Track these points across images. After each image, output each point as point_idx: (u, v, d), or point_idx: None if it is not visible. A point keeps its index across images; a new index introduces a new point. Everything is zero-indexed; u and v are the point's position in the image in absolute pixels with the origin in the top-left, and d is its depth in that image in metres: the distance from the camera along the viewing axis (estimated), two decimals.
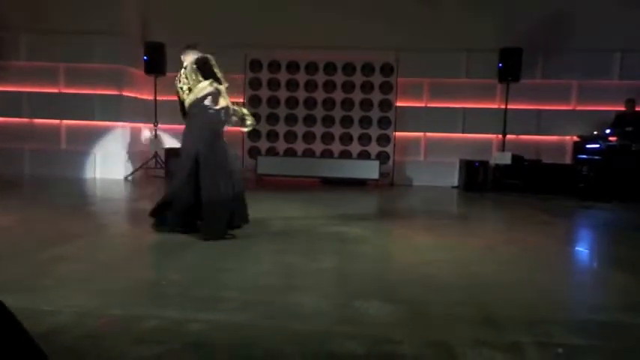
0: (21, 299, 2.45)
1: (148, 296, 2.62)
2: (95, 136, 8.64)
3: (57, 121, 8.66)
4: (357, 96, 9.16)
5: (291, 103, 9.26)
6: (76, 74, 8.53)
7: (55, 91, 8.60)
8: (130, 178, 8.50)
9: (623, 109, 7.92)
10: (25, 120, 8.67)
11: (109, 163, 8.66)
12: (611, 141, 7.48)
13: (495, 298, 2.70)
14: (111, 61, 8.40)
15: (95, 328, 2.14)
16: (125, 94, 8.62)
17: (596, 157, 7.56)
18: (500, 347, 2.02)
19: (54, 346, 1.94)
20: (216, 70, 4.00)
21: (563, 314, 2.54)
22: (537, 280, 3.13)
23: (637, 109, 7.87)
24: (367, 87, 9.13)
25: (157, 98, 8.52)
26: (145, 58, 8.35)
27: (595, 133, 7.90)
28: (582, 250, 4.37)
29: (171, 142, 8.81)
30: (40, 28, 8.38)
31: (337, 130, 9.24)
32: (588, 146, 7.84)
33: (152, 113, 8.60)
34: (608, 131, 7.66)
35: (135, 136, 9.06)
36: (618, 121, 7.80)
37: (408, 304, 2.54)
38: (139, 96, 9.03)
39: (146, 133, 9.22)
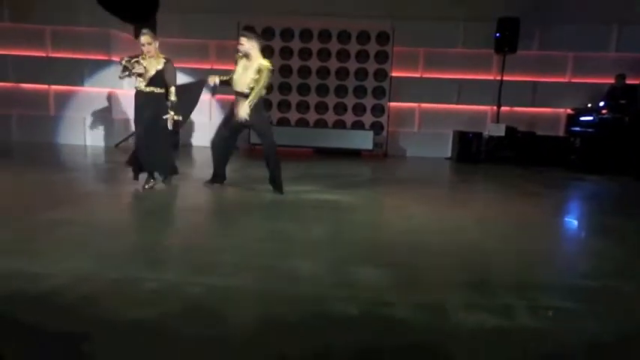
0: (17, 262, 2.46)
1: (144, 260, 2.63)
2: (85, 102, 8.48)
3: (45, 87, 8.47)
4: (352, 65, 9.03)
5: (285, 71, 9.11)
6: (63, 37, 8.28)
7: (43, 55, 8.37)
8: (120, 145, 8.40)
9: None
10: (11, 85, 8.46)
11: (99, 130, 8.54)
12: (604, 114, 7.50)
13: (487, 265, 2.75)
14: (98, 24, 8.15)
15: (92, 291, 2.15)
16: (115, 58, 8.41)
17: (589, 130, 7.60)
18: (492, 310, 2.08)
19: (51, 308, 1.96)
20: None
21: (553, 280, 2.61)
22: (528, 248, 3.19)
23: (628, 82, 7.87)
24: (362, 56, 8.99)
25: None
26: None
27: (589, 105, 7.91)
28: (572, 220, 4.45)
29: None
30: None
31: (331, 100, 9.15)
32: (582, 119, 7.87)
33: None
34: (601, 104, 7.67)
35: (125, 102, 8.90)
36: (611, 95, 7.81)
37: (402, 269, 2.58)
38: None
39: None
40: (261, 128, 4.61)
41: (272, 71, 4.50)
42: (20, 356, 1.58)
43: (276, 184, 4.64)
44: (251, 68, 4.43)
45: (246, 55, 4.48)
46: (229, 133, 4.70)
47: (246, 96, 4.44)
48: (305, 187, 5.01)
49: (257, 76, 4.40)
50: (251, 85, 4.42)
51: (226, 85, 4.63)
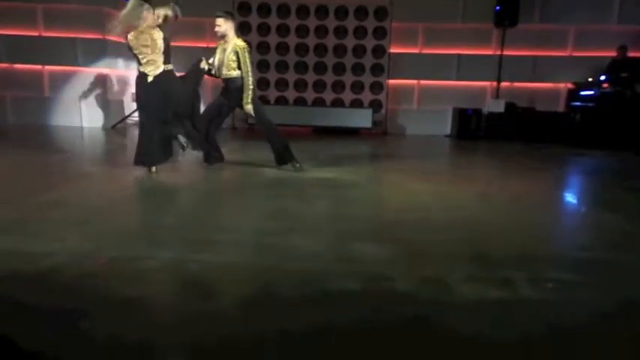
0: (16, 242, 2.44)
1: (143, 239, 2.61)
2: (80, 82, 8.36)
3: (39, 67, 8.34)
4: (350, 42, 8.89)
5: (282, 49, 8.98)
6: (55, 16, 8.11)
7: (35, 34, 8.21)
8: (117, 126, 8.32)
9: None
10: (4, 65, 8.32)
11: (96, 112, 8.44)
12: (605, 88, 7.41)
13: (488, 239, 2.75)
14: (91, 2, 7.97)
15: (92, 269, 2.15)
16: (109, 37, 8.26)
17: (590, 104, 7.52)
18: (494, 282, 2.07)
19: (51, 286, 1.95)
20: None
21: (553, 253, 2.61)
22: (529, 223, 3.18)
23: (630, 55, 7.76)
24: (360, 32, 8.84)
25: None
26: None
27: (590, 79, 7.82)
28: (572, 194, 4.44)
29: None
30: None
31: (329, 78, 9.03)
32: (582, 93, 7.78)
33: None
34: (602, 78, 7.57)
35: (121, 82, 8.79)
36: (612, 68, 7.70)
37: (403, 245, 2.57)
38: (125, 40, 8.63)
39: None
40: (260, 114, 4.57)
41: (249, 50, 4.41)
42: (21, 334, 1.58)
43: (286, 157, 4.61)
44: (228, 50, 4.35)
45: (223, 37, 4.39)
46: (214, 115, 4.61)
47: (231, 80, 4.39)
48: (304, 166, 4.97)
49: (234, 58, 4.33)
50: (233, 67, 4.36)
51: (211, 75, 4.56)
